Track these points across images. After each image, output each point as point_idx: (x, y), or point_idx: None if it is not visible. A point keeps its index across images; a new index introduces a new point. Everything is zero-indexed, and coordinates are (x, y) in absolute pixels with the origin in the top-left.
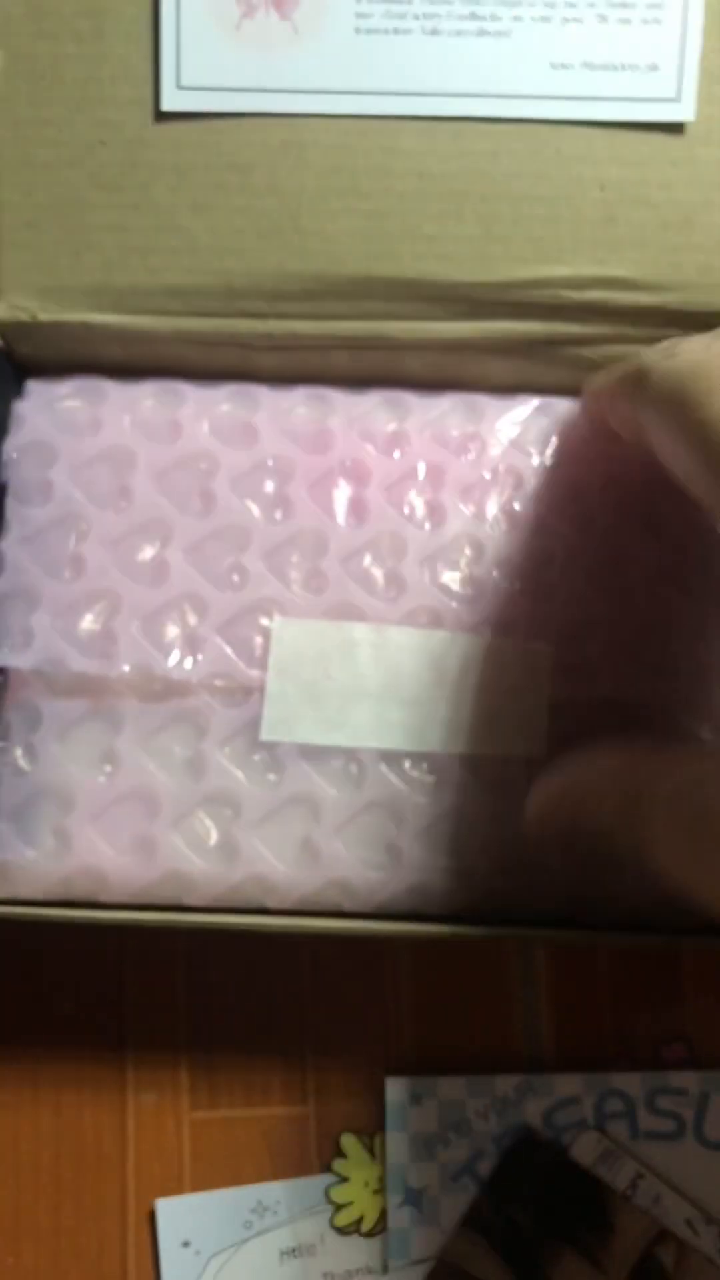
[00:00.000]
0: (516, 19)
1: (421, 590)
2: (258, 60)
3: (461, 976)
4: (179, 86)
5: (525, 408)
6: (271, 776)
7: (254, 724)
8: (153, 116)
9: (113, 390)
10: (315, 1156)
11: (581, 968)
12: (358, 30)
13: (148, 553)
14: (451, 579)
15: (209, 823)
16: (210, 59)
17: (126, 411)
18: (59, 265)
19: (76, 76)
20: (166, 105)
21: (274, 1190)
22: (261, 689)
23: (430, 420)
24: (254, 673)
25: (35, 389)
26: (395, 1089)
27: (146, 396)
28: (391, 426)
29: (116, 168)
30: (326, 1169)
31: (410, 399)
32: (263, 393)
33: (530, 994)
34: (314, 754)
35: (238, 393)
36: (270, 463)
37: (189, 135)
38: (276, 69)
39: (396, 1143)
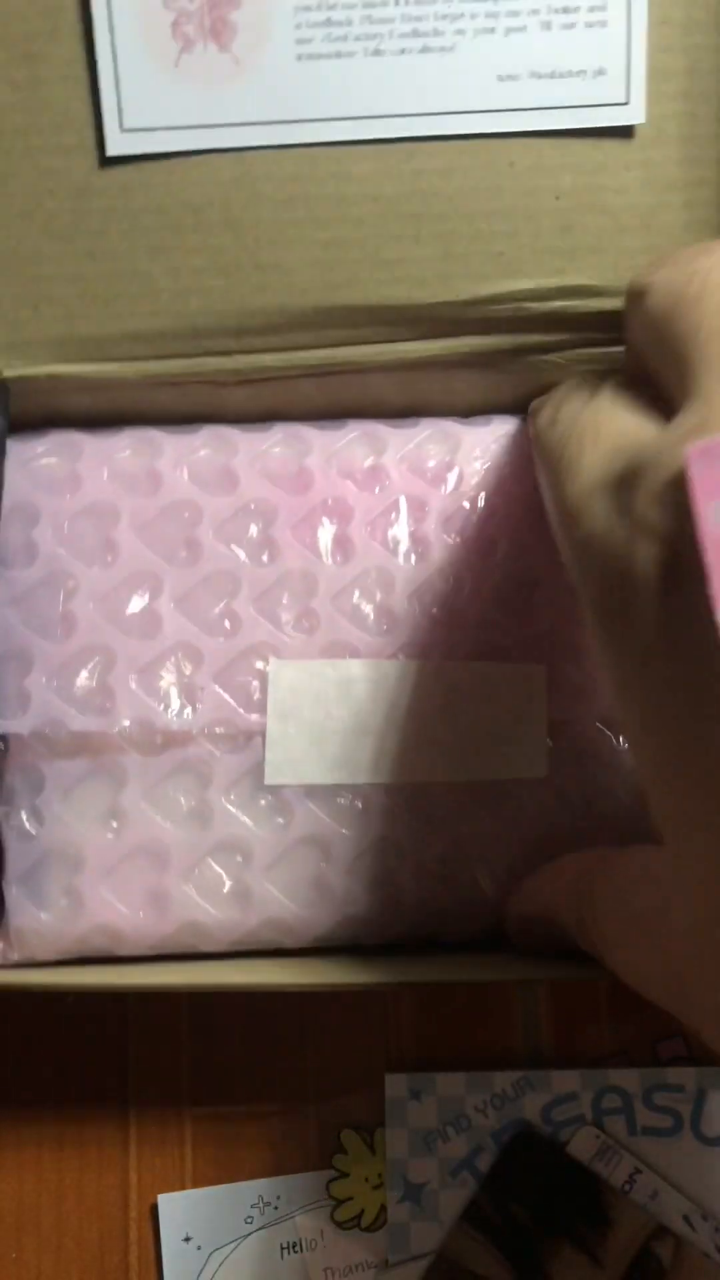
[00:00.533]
0: (459, 32)
1: (412, 623)
2: (201, 96)
3: None
4: (122, 129)
5: (498, 429)
6: (279, 820)
7: (257, 769)
8: (98, 162)
9: (88, 443)
10: (316, 1152)
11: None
12: (299, 56)
13: (138, 605)
14: (441, 609)
15: (220, 871)
16: (152, 99)
17: (104, 464)
18: (19, 319)
19: (17, 126)
20: (112, 150)
21: (275, 1185)
22: (262, 733)
23: (407, 453)
24: (254, 717)
25: (10, 448)
26: (395, 1085)
27: (123, 448)
28: (369, 461)
29: (67, 217)
30: (327, 1164)
31: (385, 431)
32: (238, 435)
33: (529, 991)
34: (320, 794)
35: (214, 437)
36: (252, 506)
37: (138, 178)
38: (221, 103)
39: (396, 1138)
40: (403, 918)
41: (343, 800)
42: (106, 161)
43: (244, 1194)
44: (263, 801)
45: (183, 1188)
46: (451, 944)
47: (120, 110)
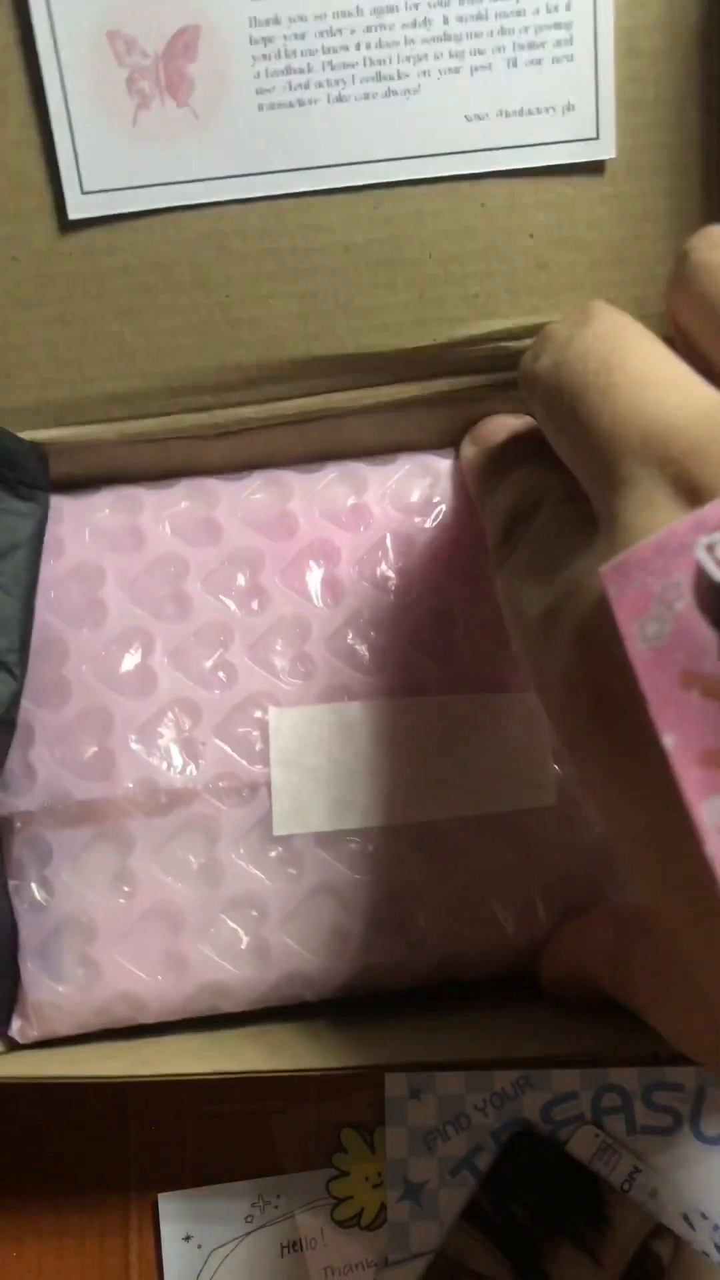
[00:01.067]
0: (424, 73)
1: (406, 660)
2: (162, 152)
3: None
4: (83, 192)
5: None
6: (292, 870)
7: (265, 820)
8: (60, 226)
9: (67, 506)
10: (316, 1151)
11: None
12: (260, 107)
13: (131, 664)
14: (434, 645)
15: (236, 927)
16: (111, 159)
17: (84, 525)
18: None
19: None
20: (73, 213)
21: (275, 1184)
22: (267, 784)
23: (388, 489)
24: (257, 768)
25: None
26: (394, 1084)
27: (102, 506)
28: (351, 500)
29: (33, 282)
30: (327, 1163)
31: (365, 469)
32: (218, 485)
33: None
34: (330, 841)
35: (193, 489)
36: (238, 555)
37: (102, 240)
38: (183, 159)
39: (396, 1137)
40: (424, 959)
41: (354, 845)
42: (69, 225)
43: (244, 1193)
44: (273, 853)
45: (183, 1187)
46: (474, 983)
47: (79, 172)
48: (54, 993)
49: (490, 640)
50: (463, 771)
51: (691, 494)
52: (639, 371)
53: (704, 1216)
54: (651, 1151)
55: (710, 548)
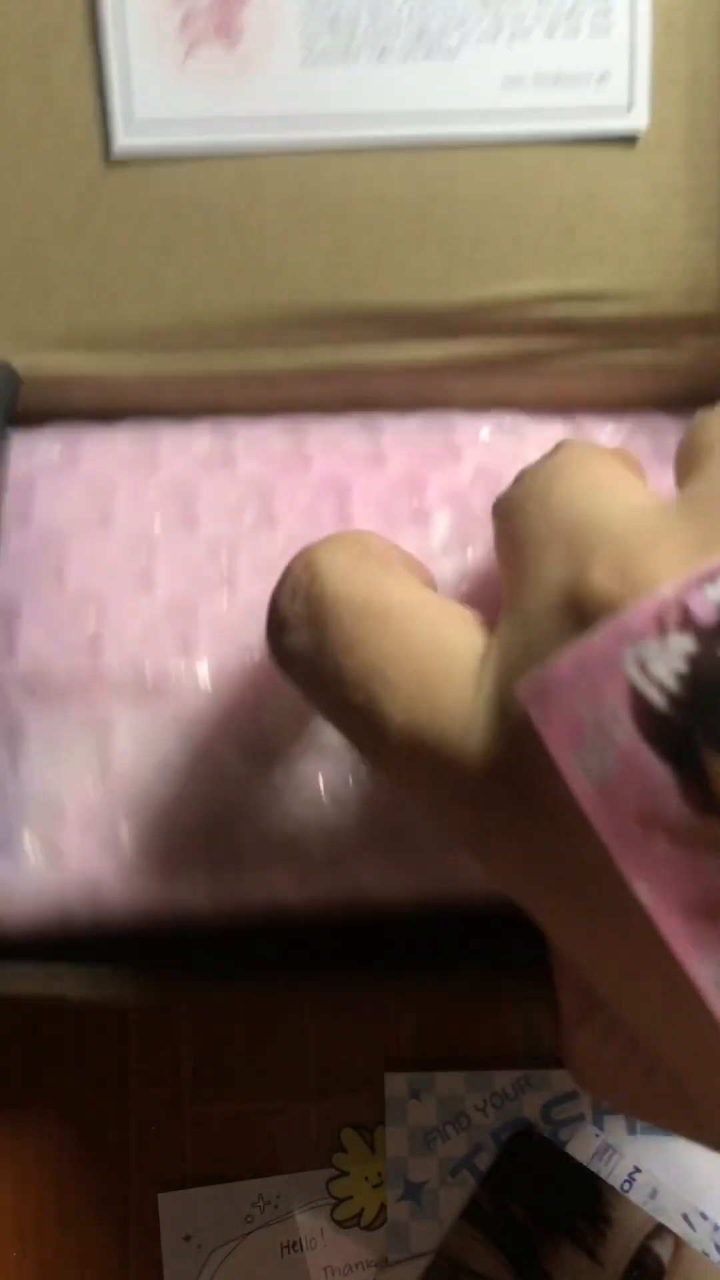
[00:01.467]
0: (464, 36)
1: None
2: (207, 96)
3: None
4: (129, 128)
5: (499, 422)
6: (276, 769)
7: (255, 719)
8: (106, 159)
9: (88, 435)
10: (316, 1151)
11: None
12: (305, 58)
13: (133, 566)
14: (443, 581)
15: (210, 825)
16: (158, 98)
17: (106, 452)
18: (26, 310)
19: (26, 122)
20: (118, 148)
21: (275, 1184)
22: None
23: (406, 438)
24: (253, 673)
25: (12, 437)
26: (394, 1084)
27: (123, 440)
28: (368, 447)
29: (74, 212)
30: (327, 1163)
31: (385, 420)
32: (238, 425)
33: (529, 991)
34: (322, 746)
35: (214, 426)
36: (252, 487)
37: (143, 177)
38: (227, 104)
39: (396, 1137)
40: (417, 877)
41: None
42: (113, 159)
43: (244, 1193)
44: (257, 752)
45: (183, 1187)
46: (476, 915)
47: (127, 107)
48: (9, 876)
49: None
50: None
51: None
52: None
53: (704, 1217)
54: (651, 1152)
55: (642, 665)
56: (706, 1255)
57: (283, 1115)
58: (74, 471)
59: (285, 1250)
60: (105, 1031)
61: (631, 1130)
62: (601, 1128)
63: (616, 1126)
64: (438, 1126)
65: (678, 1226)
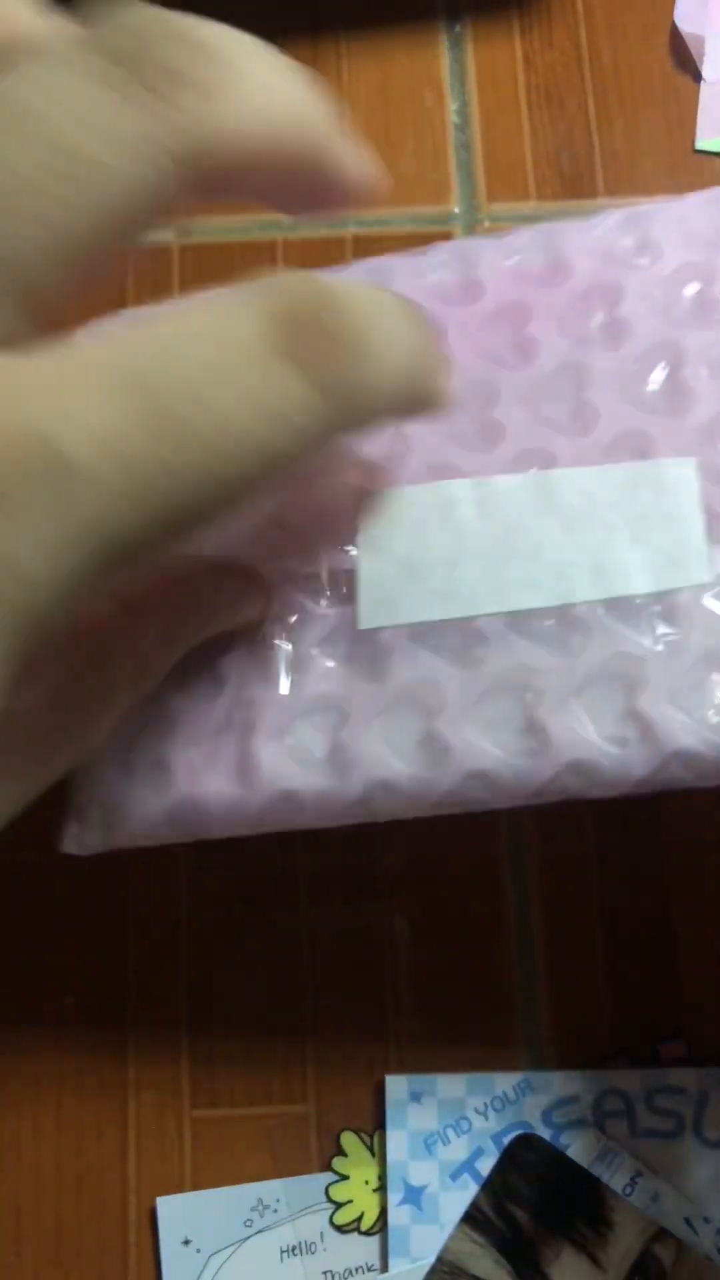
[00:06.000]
0: None
1: (527, 429)
2: None
3: (461, 974)
4: None
5: (695, 202)
6: (379, 669)
7: (350, 616)
8: None
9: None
10: (315, 1154)
11: (581, 965)
12: None
13: None
14: (560, 416)
15: (314, 733)
16: None
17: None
18: None
19: None
20: None
21: (274, 1188)
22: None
23: (590, 243)
24: (343, 559)
25: None
26: (395, 1087)
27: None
28: (544, 260)
29: None
30: (327, 1167)
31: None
32: (395, 262)
33: (529, 992)
34: (425, 634)
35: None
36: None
37: None
38: None
39: (396, 1141)
40: (540, 769)
41: (452, 639)
42: None
43: (243, 1197)
44: (359, 650)
45: (182, 1190)
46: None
47: None
48: (121, 794)
49: (629, 403)
50: (591, 552)
51: None
52: None
53: (707, 1221)
54: (654, 1155)
55: None
56: (709, 1259)
57: (282, 1118)
58: None
59: (285, 1254)
60: (105, 1032)
61: (634, 1134)
62: (603, 1131)
63: (619, 1130)
64: (438, 1130)
65: (680, 1231)
